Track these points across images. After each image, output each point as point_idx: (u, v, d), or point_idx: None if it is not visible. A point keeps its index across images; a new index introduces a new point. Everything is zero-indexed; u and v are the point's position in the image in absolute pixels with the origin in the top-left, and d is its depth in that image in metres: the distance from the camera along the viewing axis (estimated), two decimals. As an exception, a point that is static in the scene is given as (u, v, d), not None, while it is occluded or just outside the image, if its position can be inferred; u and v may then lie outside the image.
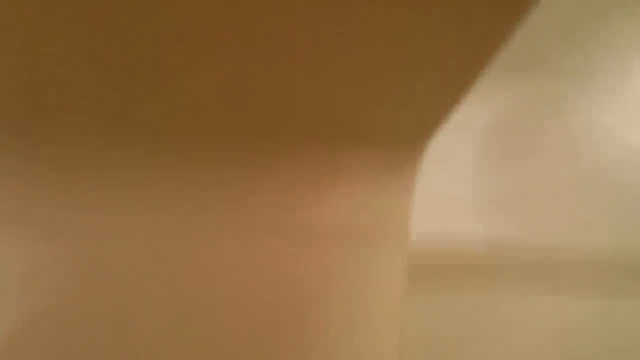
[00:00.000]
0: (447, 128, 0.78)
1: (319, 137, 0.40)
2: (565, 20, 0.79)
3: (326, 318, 0.41)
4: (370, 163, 0.42)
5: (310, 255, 0.40)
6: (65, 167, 0.37)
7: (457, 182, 0.79)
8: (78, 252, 0.37)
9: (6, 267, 0.37)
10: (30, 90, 0.36)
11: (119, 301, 0.38)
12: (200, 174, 0.38)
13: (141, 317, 0.38)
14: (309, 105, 0.39)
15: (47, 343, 0.37)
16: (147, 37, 0.35)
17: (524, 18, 0.42)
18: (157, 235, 0.38)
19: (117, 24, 0.35)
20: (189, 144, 0.38)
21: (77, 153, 0.38)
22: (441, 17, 0.38)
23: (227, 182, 0.39)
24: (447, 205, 0.79)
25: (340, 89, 0.39)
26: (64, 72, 0.36)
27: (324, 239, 0.41)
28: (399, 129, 0.43)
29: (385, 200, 0.43)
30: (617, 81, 0.81)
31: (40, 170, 0.37)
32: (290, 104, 0.39)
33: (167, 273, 0.38)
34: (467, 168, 0.79)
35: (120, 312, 0.38)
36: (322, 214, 0.40)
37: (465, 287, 0.80)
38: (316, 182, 0.40)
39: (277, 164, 0.39)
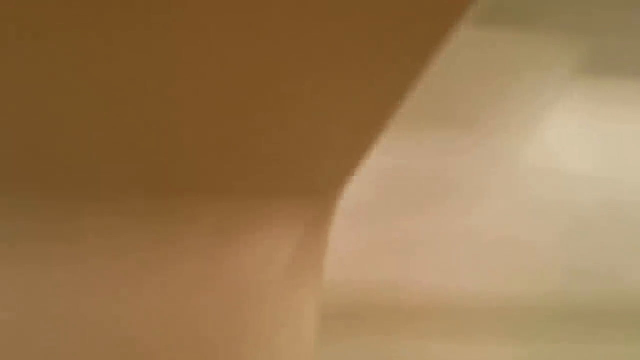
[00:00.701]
0: (356, 177, 0.78)
1: (234, 189, 0.41)
2: (477, 74, 0.81)
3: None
4: (284, 214, 0.43)
5: (222, 303, 0.41)
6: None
7: (367, 229, 0.79)
8: None
9: None
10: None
11: (38, 350, 0.38)
12: (122, 224, 0.39)
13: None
14: (225, 159, 0.40)
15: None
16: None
17: (430, 66, 0.42)
18: (78, 282, 0.38)
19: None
20: (108, 195, 0.39)
21: None
22: (349, 68, 0.40)
23: (146, 232, 0.39)
24: (360, 251, 0.79)
25: (254, 142, 0.40)
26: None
27: (237, 287, 0.41)
28: (312, 180, 0.44)
29: (298, 249, 0.44)
30: (526, 134, 0.82)
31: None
32: (208, 159, 0.40)
33: (85, 317, 0.38)
34: (377, 215, 0.79)
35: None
36: (236, 263, 0.41)
37: (380, 333, 0.80)
38: (231, 233, 0.41)
39: (194, 215, 0.40)
